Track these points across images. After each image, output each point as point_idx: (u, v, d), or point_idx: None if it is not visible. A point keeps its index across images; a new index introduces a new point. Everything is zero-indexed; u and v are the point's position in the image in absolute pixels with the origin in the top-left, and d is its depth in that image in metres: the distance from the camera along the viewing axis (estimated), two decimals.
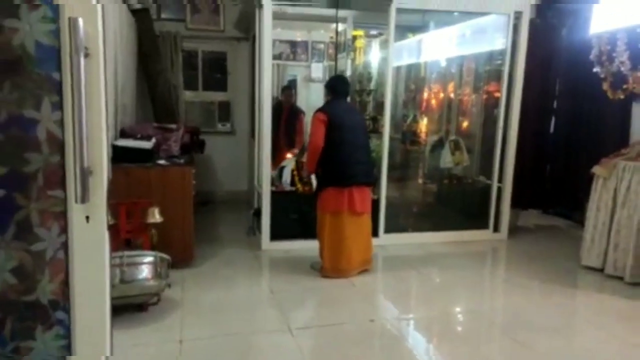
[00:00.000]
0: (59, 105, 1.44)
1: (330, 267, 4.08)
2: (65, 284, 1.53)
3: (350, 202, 4.02)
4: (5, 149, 1.44)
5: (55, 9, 1.39)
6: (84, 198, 1.42)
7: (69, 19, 1.35)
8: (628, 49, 4.40)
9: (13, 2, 1.38)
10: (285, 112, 6.04)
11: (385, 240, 4.99)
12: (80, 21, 1.35)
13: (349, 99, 4.60)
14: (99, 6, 1.43)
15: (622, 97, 4.65)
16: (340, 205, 4.00)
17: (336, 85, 4.22)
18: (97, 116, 1.44)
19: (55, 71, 1.42)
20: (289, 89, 6.45)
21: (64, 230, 1.50)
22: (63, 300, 1.54)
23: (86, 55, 1.39)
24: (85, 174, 1.42)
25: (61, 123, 1.44)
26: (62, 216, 1.49)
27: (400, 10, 4.80)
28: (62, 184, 1.48)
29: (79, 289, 1.54)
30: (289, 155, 5.19)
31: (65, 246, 1.51)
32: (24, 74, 1.41)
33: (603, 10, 4.53)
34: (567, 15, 5.54)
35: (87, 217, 1.49)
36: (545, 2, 5.46)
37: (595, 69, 4.76)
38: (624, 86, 4.57)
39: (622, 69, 4.48)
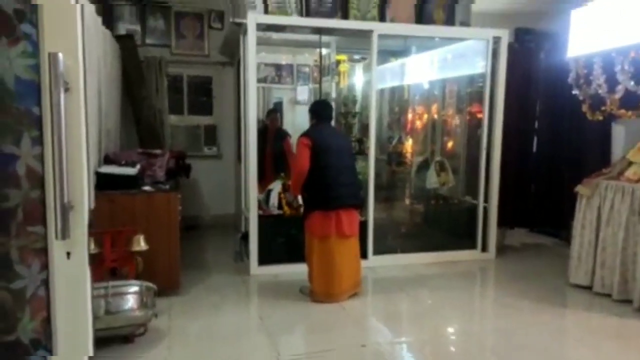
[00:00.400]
0: (39, 140, 1.42)
1: (322, 291, 4.04)
2: (47, 322, 1.50)
3: (338, 225, 4.00)
4: None
5: (35, 44, 1.38)
6: (64, 234, 1.40)
7: (49, 54, 1.34)
8: (604, 73, 4.48)
9: None
10: (271, 135, 6.04)
11: (375, 262, 4.97)
12: (61, 56, 1.34)
13: (333, 122, 4.63)
14: (79, 40, 1.42)
15: (600, 118, 4.73)
16: (328, 230, 3.98)
17: (319, 110, 4.26)
18: (78, 151, 1.42)
19: (35, 106, 1.41)
20: (274, 112, 6.46)
21: (45, 266, 1.47)
22: (45, 339, 1.50)
23: (66, 90, 1.38)
24: (66, 209, 1.40)
25: (41, 158, 1.43)
26: (43, 252, 1.47)
27: (382, 36, 4.88)
28: (43, 220, 1.45)
29: (61, 327, 1.51)
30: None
31: (46, 283, 1.48)
32: (3, 109, 1.40)
33: (579, 34, 4.63)
34: (544, 39, 5.67)
35: (68, 253, 1.47)
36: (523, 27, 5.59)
37: (574, 92, 4.84)
38: (602, 108, 4.65)
39: (600, 91, 4.56)
